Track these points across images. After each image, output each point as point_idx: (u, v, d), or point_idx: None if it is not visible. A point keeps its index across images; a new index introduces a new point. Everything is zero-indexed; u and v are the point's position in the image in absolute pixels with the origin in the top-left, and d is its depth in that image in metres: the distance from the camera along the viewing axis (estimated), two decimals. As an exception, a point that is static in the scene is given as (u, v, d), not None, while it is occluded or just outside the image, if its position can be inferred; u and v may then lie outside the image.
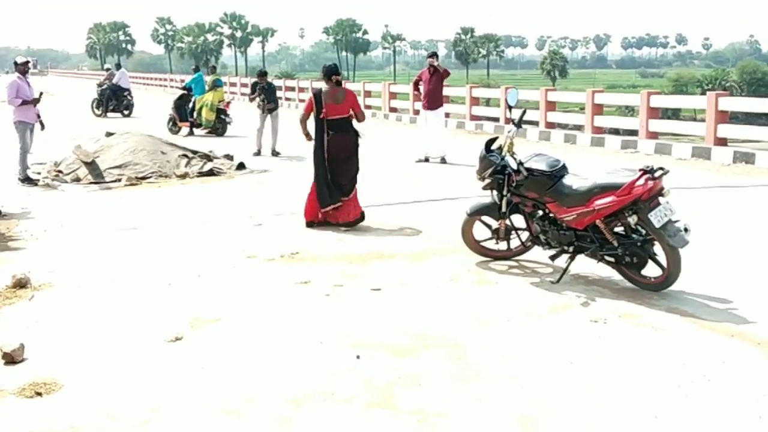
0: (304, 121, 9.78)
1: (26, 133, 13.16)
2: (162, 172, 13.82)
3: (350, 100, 9.67)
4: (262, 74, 18.38)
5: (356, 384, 4.87)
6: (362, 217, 9.61)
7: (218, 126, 21.71)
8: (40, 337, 5.80)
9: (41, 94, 13.53)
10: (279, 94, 24.21)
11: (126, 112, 29.02)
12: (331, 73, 9.67)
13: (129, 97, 29.39)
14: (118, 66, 32.21)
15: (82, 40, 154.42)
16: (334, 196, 9.49)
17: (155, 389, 4.84)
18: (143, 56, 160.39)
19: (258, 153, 17.05)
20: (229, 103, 22.90)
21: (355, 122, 9.66)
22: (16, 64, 13.48)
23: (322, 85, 9.80)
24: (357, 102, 9.90)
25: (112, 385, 4.93)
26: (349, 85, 33.40)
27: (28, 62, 13.79)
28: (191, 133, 21.73)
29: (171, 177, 13.70)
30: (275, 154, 17.06)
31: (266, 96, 17.52)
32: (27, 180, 13.38)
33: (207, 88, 21.78)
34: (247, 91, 41.09)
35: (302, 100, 26.33)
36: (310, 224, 9.56)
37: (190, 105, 22.06)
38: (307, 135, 9.82)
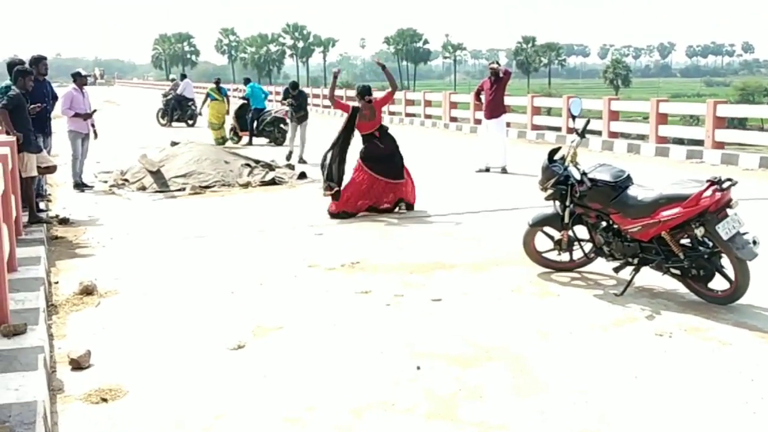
0: (331, 97, 11.83)
1: (77, 142, 13.68)
2: (225, 182, 13.99)
3: (378, 107, 11.24)
4: (294, 86, 19.39)
5: (417, 394, 4.86)
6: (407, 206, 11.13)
7: (277, 135, 22.04)
8: (106, 343, 5.90)
9: (94, 110, 13.91)
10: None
11: (190, 122, 29.38)
12: (363, 93, 11.21)
13: (193, 107, 29.74)
14: (183, 76, 32.69)
15: (148, 50, 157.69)
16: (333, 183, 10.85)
17: (219, 396, 4.89)
18: (207, 66, 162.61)
19: (289, 156, 17.90)
20: (287, 112, 23.21)
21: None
22: (77, 76, 13.84)
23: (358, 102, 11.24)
24: (382, 100, 11.63)
25: (177, 391, 4.99)
26: (409, 95, 33.77)
27: (87, 76, 14.20)
28: (250, 143, 22.05)
29: (234, 186, 13.86)
30: (302, 161, 17.39)
31: (295, 106, 18.54)
32: (80, 185, 13.86)
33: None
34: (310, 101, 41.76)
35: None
36: (339, 215, 10.75)
37: (249, 115, 22.51)
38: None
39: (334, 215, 10.76)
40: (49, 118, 11.71)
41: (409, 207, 11.12)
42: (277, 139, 22.02)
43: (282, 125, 22.02)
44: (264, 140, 22.21)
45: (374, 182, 10.86)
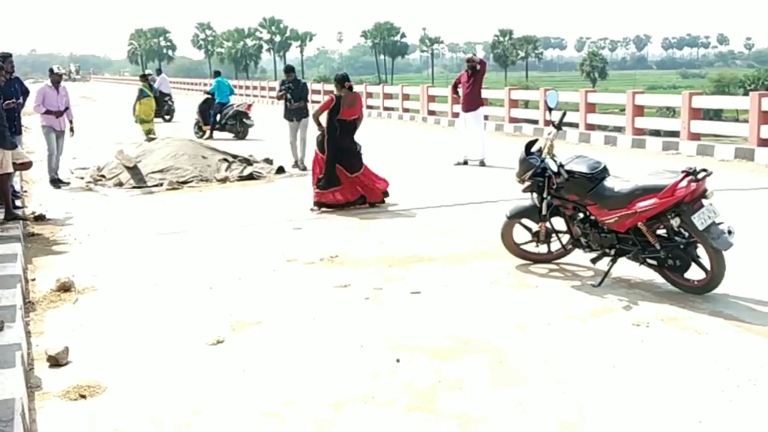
0: (317, 118, 11.05)
1: (51, 137, 13.62)
2: (203, 177, 13.94)
3: (360, 104, 11.39)
4: (289, 70, 16.45)
5: (397, 387, 4.87)
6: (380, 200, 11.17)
7: (240, 129, 22.13)
8: (84, 340, 5.87)
9: (66, 108, 13.71)
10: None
11: (167, 117, 29.22)
12: (343, 80, 11.14)
13: (170, 102, 29.61)
14: (159, 71, 32.54)
15: (124, 46, 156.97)
16: (335, 182, 10.85)
17: (197, 392, 4.88)
18: (184, 61, 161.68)
19: (296, 164, 15.26)
20: (250, 105, 23.36)
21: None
22: (50, 72, 13.74)
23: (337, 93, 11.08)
24: (361, 107, 11.62)
25: (155, 387, 4.98)
26: (387, 89, 33.66)
27: (62, 74, 14.04)
28: (211, 137, 21.93)
29: (212, 181, 13.82)
30: (302, 168, 14.83)
31: (293, 95, 15.47)
32: (56, 181, 13.81)
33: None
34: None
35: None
36: (320, 205, 10.86)
37: (212, 109, 22.49)
38: (320, 125, 11.05)
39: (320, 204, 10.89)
40: (18, 116, 11.61)
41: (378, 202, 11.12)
42: (239, 133, 22.18)
43: (244, 119, 22.19)
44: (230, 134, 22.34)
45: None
